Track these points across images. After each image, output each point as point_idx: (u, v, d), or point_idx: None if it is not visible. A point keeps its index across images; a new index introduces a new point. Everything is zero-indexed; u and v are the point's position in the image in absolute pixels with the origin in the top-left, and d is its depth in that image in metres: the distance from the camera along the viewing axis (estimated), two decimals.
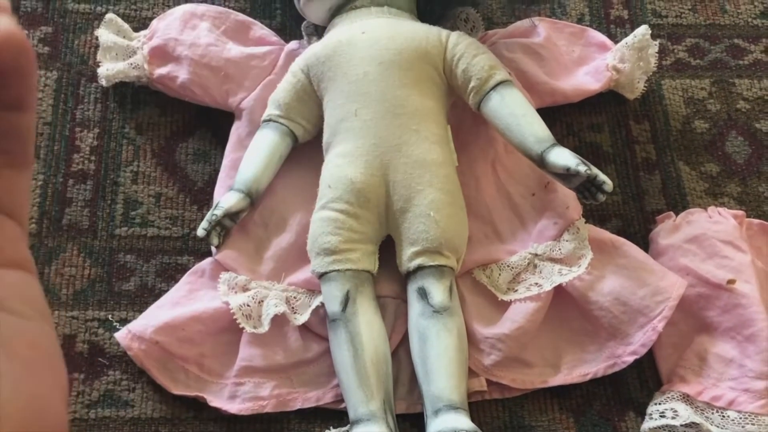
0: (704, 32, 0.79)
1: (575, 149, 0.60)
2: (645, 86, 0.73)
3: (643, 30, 0.71)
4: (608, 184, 0.58)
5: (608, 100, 0.74)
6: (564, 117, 0.73)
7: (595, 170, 0.58)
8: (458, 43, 0.63)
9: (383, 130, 0.61)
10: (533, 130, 0.60)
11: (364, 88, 0.61)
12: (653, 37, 0.71)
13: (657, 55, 0.72)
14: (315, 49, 0.65)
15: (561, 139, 0.61)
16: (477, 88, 0.62)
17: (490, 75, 0.62)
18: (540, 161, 0.60)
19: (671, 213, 0.66)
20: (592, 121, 0.73)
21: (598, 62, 0.72)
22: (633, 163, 0.71)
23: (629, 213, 0.69)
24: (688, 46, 0.78)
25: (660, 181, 0.71)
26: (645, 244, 0.66)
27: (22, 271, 0.21)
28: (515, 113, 0.61)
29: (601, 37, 0.74)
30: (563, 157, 0.58)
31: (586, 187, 0.59)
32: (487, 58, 0.63)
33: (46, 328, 0.21)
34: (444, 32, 0.64)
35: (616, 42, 0.73)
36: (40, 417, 0.19)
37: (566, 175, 0.59)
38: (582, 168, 0.57)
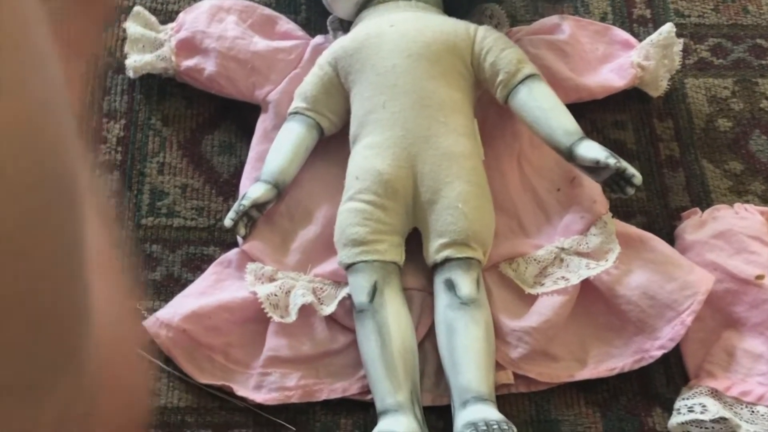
0: (727, 32, 0.79)
1: None
2: (668, 85, 0.73)
3: (668, 27, 0.71)
4: (638, 177, 0.58)
5: (632, 97, 0.74)
6: (588, 114, 0.73)
7: (625, 163, 0.58)
8: (486, 37, 0.64)
9: (411, 121, 0.61)
10: (562, 123, 0.60)
11: (393, 80, 0.62)
12: (676, 35, 0.72)
13: (681, 53, 0.72)
14: (343, 42, 0.66)
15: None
16: (505, 82, 0.62)
17: (518, 69, 0.62)
18: (568, 154, 0.60)
19: (697, 209, 0.66)
20: (616, 118, 0.73)
21: (623, 60, 0.72)
22: (657, 161, 0.71)
23: (654, 210, 0.69)
24: (711, 45, 0.78)
25: (684, 178, 0.71)
26: (670, 241, 0.66)
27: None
28: (543, 107, 0.61)
29: (625, 35, 0.74)
30: (592, 150, 0.58)
31: (614, 181, 0.59)
32: (515, 52, 0.63)
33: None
34: (472, 26, 0.65)
35: (639, 41, 0.73)
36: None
37: (595, 168, 0.59)
38: (611, 161, 0.57)
